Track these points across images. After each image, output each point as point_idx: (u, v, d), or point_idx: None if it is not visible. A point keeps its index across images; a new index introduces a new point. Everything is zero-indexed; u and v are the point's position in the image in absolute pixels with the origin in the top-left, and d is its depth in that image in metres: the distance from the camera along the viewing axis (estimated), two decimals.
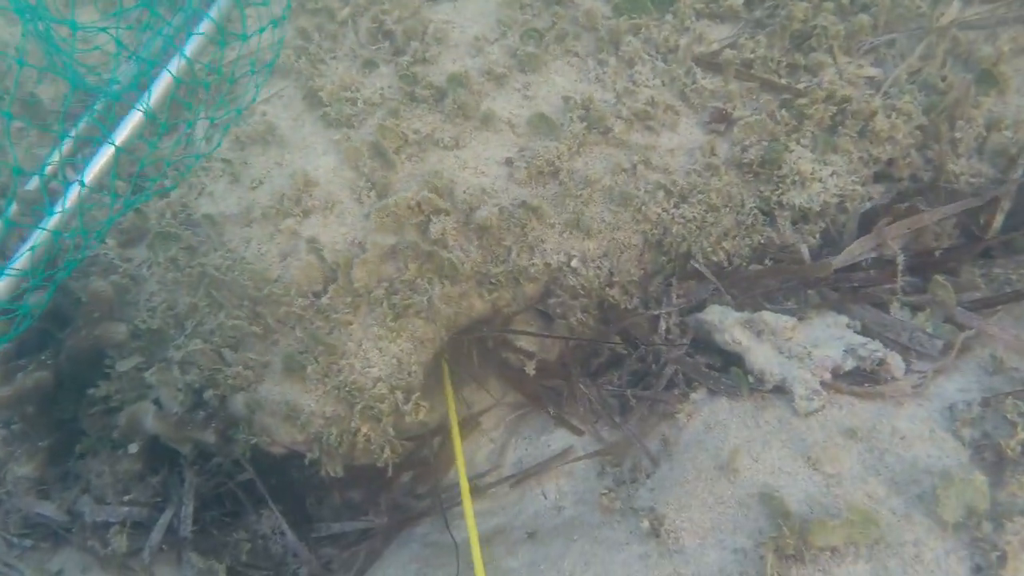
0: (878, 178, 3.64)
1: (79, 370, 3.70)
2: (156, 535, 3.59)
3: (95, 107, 4.03)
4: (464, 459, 3.52)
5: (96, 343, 3.54)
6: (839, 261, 3.37)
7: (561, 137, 3.68)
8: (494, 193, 3.61)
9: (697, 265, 3.52)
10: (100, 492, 3.67)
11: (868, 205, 3.56)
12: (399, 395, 3.40)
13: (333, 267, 3.49)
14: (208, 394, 3.53)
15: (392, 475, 3.56)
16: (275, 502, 3.73)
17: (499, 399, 3.90)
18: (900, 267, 3.30)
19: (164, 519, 3.63)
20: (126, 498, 3.63)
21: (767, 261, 3.59)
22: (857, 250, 3.38)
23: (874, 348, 3.07)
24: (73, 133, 3.93)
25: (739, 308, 3.49)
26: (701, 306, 3.58)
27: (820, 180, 3.55)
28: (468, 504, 3.28)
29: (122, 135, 3.81)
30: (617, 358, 3.74)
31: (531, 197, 3.54)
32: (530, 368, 3.68)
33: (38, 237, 3.52)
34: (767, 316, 3.28)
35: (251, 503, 3.75)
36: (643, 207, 3.55)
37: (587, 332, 3.63)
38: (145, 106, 3.81)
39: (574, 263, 3.52)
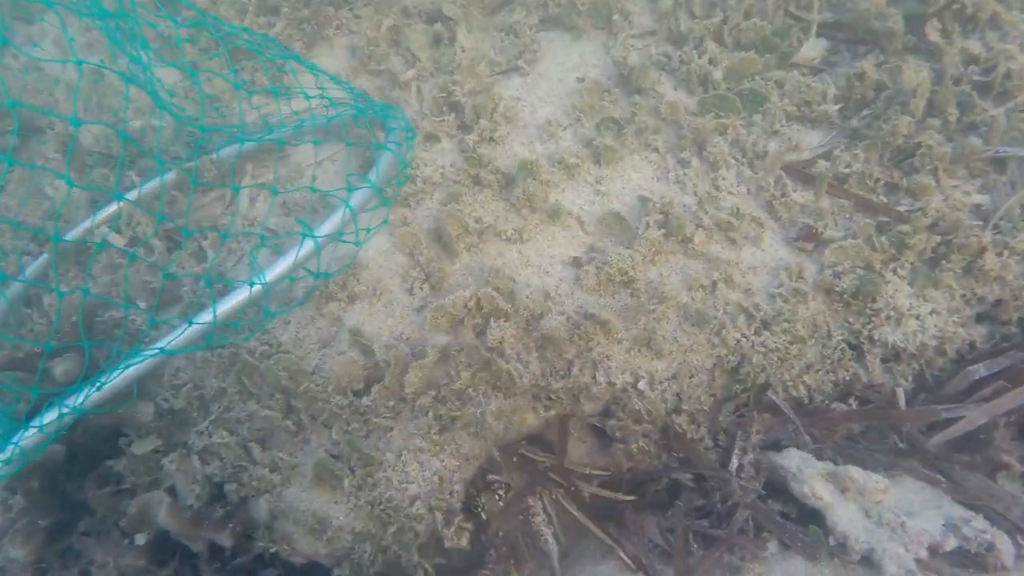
0: (981, 319, 3.32)
1: (94, 445, 3.41)
2: None
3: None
4: None
5: (118, 420, 3.26)
6: (937, 441, 3.05)
7: (635, 243, 3.38)
8: (558, 298, 3.31)
9: (777, 400, 3.19)
10: None
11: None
12: (438, 516, 3.08)
13: (382, 366, 3.18)
14: (229, 488, 3.23)
15: None
16: None
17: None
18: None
19: None
20: None
21: (852, 400, 3.26)
22: (958, 431, 3.05)
23: (981, 528, 2.72)
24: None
25: (819, 451, 3.16)
26: (775, 444, 3.25)
27: (917, 317, 3.23)
28: None
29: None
30: (676, 487, 3.40)
31: (599, 308, 3.23)
32: (588, 490, 3.35)
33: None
34: (855, 472, 2.94)
35: None
36: (722, 330, 3.24)
37: (648, 459, 3.30)
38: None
39: (641, 385, 3.20)
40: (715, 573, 3.04)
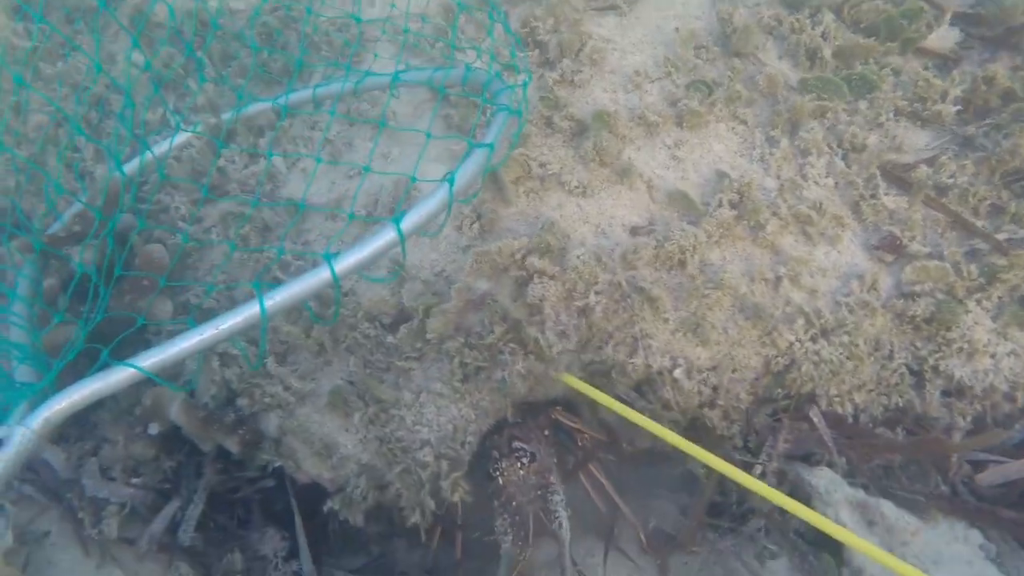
0: None
1: (115, 330, 3.39)
2: (158, 525, 3.28)
3: None
4: None
5: (137, 313, 3.22)
6: (987, 478, 2.83)
7: (703, 221, 3.15)
8: (610, 265, 3.12)
9: (816, 420, 2.99)
10: (107, 462, 3.38)
11: None
12: (444, 464, 2.99)
13: (407, 310, 3.07)
14: (242, 402, 3.18)
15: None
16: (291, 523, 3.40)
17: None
18: None
19: (168, 510, 3.32)
20: (134, 480, 3.33)
21: (899, 429, 3.04)
22: (1011, 473, 2.82)
23: None
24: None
25: (852, 475, 2.97)
26: (807, 456, 3.07)
27: (993, 356, 2.97)
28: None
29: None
30: (691, 475, 3.28)
31: (651, 284, 3.03)
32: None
33: None
34: (887, 508, 2.76)
35: (261, 517, 3.44)
36: (775, 330, 3.02)
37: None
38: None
39: (677, 373, 3.02)
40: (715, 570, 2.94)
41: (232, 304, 3.29)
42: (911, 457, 3.00)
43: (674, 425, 3.12)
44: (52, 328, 3.07)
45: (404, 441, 2.98)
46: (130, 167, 3.65)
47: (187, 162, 3.65)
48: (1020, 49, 3.54)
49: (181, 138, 3.70)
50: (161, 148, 3.67)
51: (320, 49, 4.01)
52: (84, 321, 2.99)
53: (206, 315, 3.28)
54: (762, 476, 3.03)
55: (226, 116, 3.70)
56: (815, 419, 2.98)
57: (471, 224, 3.24)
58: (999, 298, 3.01)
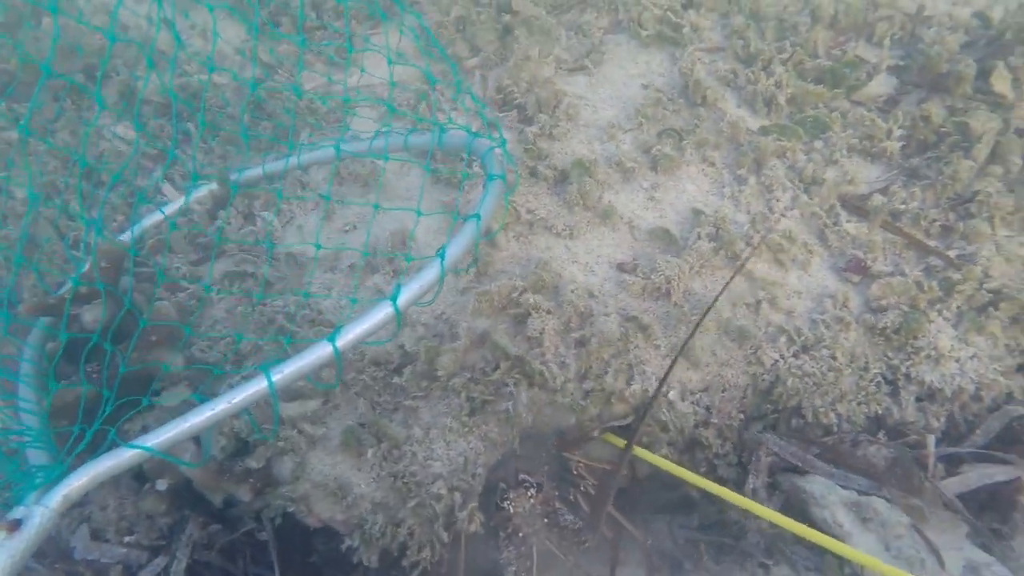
0: (1023, 369, 3.31)
1: (125, 390, 3.44)
2: None
3: None
4: None
5: (149, 369, 3.29)
6: (955, 486, 3.04)
7: (683, 253, 3.39)
8: (601, 298, 3.32)
9: (775, 447, 3.19)
10: (99, 526, 3.36)
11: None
12: (457, 497, 3.09)
13: (411, 354, 3.22)
14: (253, 440, 3.24)
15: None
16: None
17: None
18: None
19: (157, 564, 3.31)
20: (127, 539, 3.32)
21: (881, 433, 3.25)
22: (975, 481, 3.04)
23: (1002, 572, 2.72)
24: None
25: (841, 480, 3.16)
26: (795, 467, 3.26)
27: (958, 360, 3.22)
28: None
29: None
30: (688, 498, 3.43)
31: (642, 312, 3.24)
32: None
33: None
34: (879, 505, 2.94)
35: (251, 568, 3.45)
36: (759, 349, 3.24)
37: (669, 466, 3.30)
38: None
39: (671, 395, 3.20)
40: None
41: (237, 356, 3.42)
42: (887, 483, 3.19)
43: (671, 448, 3.30)
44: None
45: (417, 476, 3.08)
46: (125, 236, 3.77)
47: (184, 226, 3.78)
48: (948, 91, 3.93)
49: (175, 207, 3.85)
50: (153, 220, 3.82)
51: (305, 116, 4.22)
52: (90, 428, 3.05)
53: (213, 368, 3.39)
54: (754, 492, 3.19)
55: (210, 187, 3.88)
56: (773, 447, 3.18)
57: (467, 268, 3.42)
58: (958, 307, 3.29)
